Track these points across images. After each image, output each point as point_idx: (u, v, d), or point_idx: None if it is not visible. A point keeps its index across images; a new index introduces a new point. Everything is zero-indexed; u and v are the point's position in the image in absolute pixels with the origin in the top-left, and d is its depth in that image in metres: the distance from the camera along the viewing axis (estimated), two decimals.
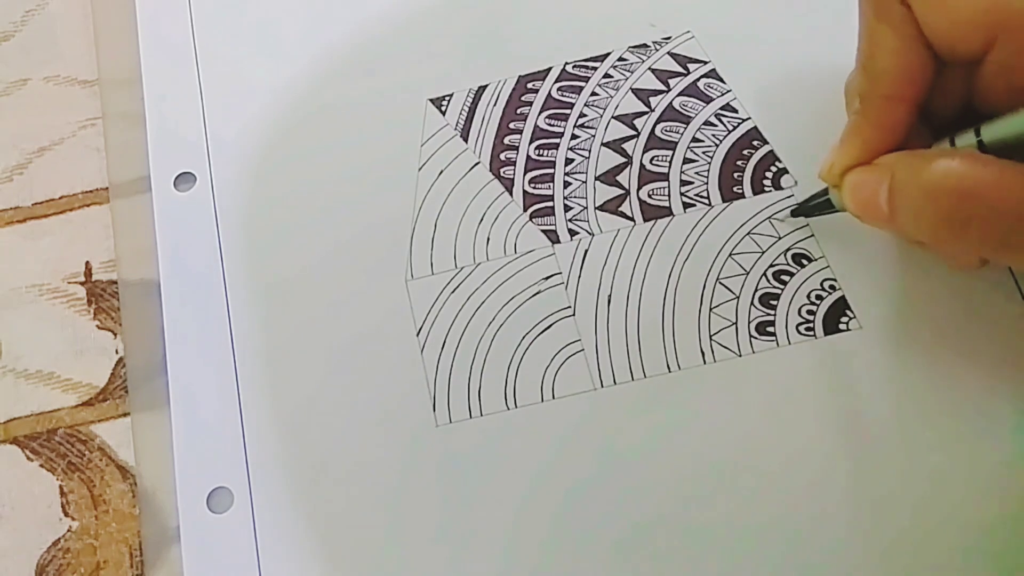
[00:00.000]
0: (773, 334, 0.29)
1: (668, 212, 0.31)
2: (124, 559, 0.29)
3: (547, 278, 0.31)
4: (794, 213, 0.30)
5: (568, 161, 0.33)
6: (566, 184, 0.32)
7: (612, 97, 0.33)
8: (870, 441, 0.27)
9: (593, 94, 0.34)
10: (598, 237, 0.31)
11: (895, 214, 0.25)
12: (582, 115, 0.33)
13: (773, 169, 0.31)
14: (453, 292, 0.31)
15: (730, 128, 0.32)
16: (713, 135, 0.32)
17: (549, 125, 0.33)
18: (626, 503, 0.27)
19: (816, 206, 0.29)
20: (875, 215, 0.26)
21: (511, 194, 0.32)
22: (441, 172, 0.33)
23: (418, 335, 0.30)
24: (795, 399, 0.28)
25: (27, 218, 0.35)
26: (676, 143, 0.32)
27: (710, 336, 0.29)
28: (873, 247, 0.30)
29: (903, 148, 0.26)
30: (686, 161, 0.32)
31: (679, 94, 0.33)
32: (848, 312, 0.29)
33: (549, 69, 0.34)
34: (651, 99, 0.33)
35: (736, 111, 0.32)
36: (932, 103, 0.26)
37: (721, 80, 0.33)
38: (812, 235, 0.30)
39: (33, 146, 0.36)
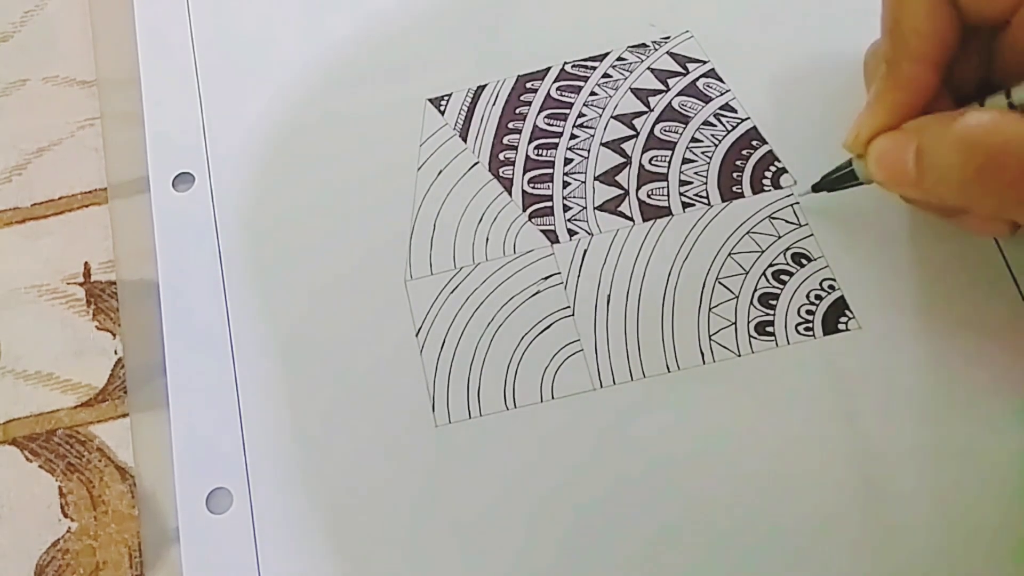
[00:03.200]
0: (772, 334, 0.29)
1: (667, 212, 0.31)
2: (123, 560, 0.29)
3: (546, 278, 0.31)
4: (816, 188, 0.30)
5: (567, 161, 0.33)
6: (565, 184, 0.32)
7: (611, 97, 0.33)
8: (869, 441, 0.27)
9: (592, 94, 0.34)
10: (597, 237, 0.31)
11: (923, 174, 0.24)
12: (581, 115, 0.33)
13: (772, 169, 0.31)
14: (452, 292, 0.31)
15: (729, 128, 0.32)
16: (712, 135, 0.32)
17: (548, 125, 0.33)
18: (625, 503, 0.27)
19: (839, 179, 0.29)
20: (902, 179, 0.25)
21: (510, 194, 0.32)
22: (440, 172, 0.33)
23: (417, 335, 0.30)
24: (794, 399, 0.28)
25: (26, 219, 0.35)
26: (675, 143, 0.32)
27: (709, 336, 0.29)
28: (873, 247, 0.30)
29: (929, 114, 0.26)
30: (685, 161, 0.32)
31: (678, 94, 0.33)
32: (847, 312, 0.29)
33: (548, 69, 0.34)
34: (650, 99, 0.33)
35: (735, 111, 0.32)
36: (953, 72, 0.26)
37: (720, 80, 0.33)
38: (811, 235, 0.30)
39: (32, 146, 0.36)
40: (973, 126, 0.23)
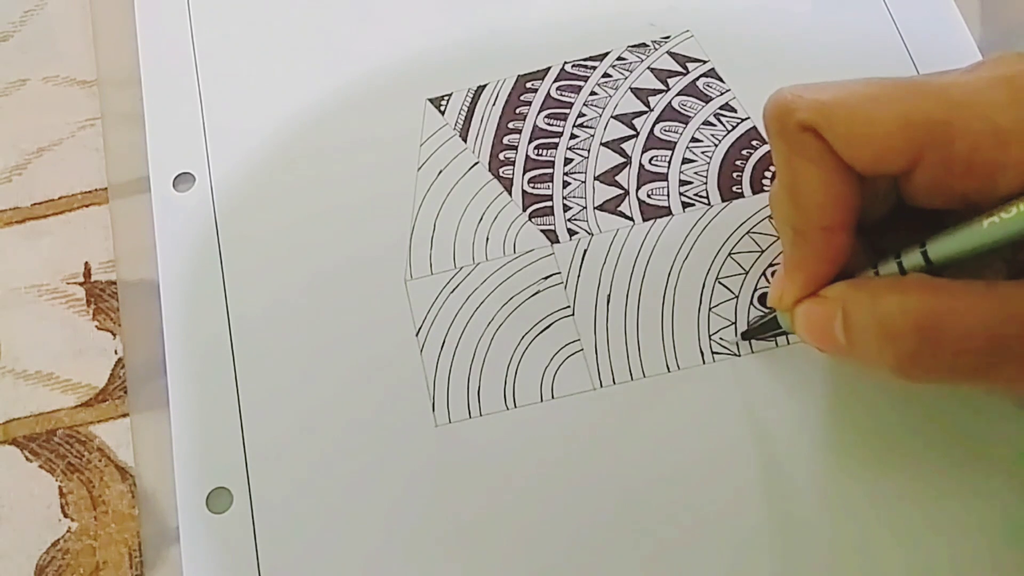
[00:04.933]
0: None
1: (667, 212, 0.31)
2: (123, 560, 0.29)
3: (546, 278, 0.31)
4: (744, 336, 0.29)
5: (567, 161, 0.33)
6: (565, 184, 0.32)
7: (611, 97, 0.33)
8: (870, 441, 0.27)
9: (592, 93, 0.34)
10: (597, 237, 0.31)
11: (855, 349, 0.24)
12: (581, 115, 0.33)
13: (772, 168, 0.31)
14: (452, 292, 0.31)
15: (729, 128, 0.32)
16: (712, 135, 0.32)
17: (548, 125, 0.33)
18: (625, 503, 0.27)
19: (764, 327, 0.28)
20: (835, 350, 0.24)
21: (510, 194, 0.32)
22: (440, 172, 0.33)
23: (417, 335, 0.30)
24: (794, 399, 0.28)
25: (26, 218, 0.35)
26: (675, 143, 0.32)
27: (709, 336, 0.29)
28: None
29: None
30: (685, 161, 0.32)
31: (678, 94, 0.33)
32: None
33: (548, 68, 0.34)
34: (650, 98, 0.33)
35: (735, 111, 0.32)
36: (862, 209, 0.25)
37: (720, 79, 0.33)
38: None
39: (32, 146, 0.36)
40: (899, 312, 0.22)
